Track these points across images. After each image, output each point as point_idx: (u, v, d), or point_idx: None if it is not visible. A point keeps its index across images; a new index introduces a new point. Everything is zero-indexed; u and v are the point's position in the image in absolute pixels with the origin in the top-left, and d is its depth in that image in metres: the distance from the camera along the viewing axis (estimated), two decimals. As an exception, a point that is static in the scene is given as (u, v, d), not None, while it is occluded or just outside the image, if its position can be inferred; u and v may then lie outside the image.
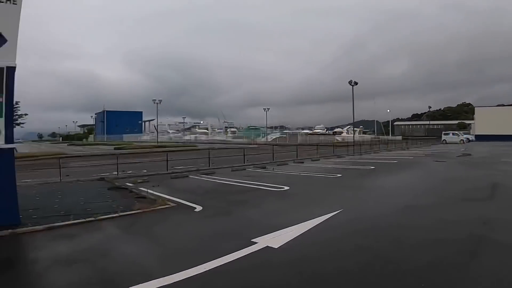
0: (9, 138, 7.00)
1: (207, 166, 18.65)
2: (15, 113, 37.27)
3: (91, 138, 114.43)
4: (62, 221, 7.26)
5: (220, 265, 4.82)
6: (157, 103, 64.95)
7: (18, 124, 39.75)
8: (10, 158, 7.11)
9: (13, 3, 7.02)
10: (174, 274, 4.49)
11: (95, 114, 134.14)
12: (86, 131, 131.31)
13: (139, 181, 13.27)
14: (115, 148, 43.59)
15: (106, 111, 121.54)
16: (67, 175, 15.16)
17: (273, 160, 22.57)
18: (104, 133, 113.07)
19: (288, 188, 11.37)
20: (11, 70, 6.97)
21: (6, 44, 6.89)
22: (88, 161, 25.22)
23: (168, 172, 16.36)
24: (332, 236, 6.10)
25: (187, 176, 14.97)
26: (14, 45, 6.99)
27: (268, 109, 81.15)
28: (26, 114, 40.12)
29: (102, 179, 14.13)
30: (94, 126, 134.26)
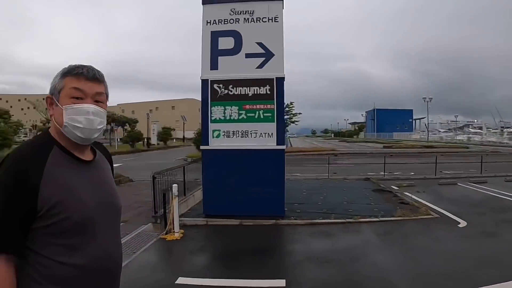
0: (280, 140, 7.94)
1: (478, 173, 16.43)
2: (290, 112, 41.86)
3: (361, 135, 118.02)
4: (323, 218, 7.76)
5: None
6: (427, 101, 61.74)
7: (293, 122, 44.49)
8: (281, 157, 8.02)
9: (275, 21, 7.90)
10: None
11: (366, 112, 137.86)
12: (356, 128, 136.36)
13: (404, 184, 12.86)
14: (384, 147, 43.60)
15: (376, 109, 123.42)
16: (335, 172, 15.96)
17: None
18: (374, 131, 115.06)
19: None
20: (280, 80, 7.85)
21: (273, 57, 7.82)
22: (356, 159, 25.91)
23: (436, 177, 15.26)
24: None
25: (455, 184, 13.61)
26: (281, 57, 7.86)
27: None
28: (300, 113, 44.39)
29: (367, 179, 14.32)
30: (364, 124, 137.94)
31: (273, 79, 7.81)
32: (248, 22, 7.94)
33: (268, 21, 7.90)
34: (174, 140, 61.21)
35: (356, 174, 15.59)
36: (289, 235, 6.95)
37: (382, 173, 15.48)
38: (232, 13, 7.98)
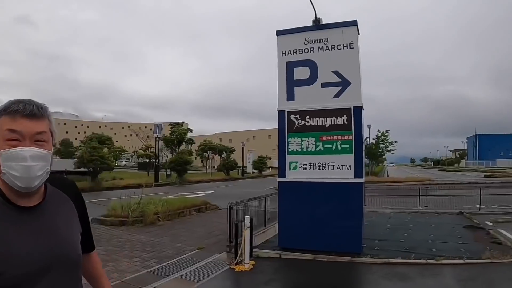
0: (358, 173, 7.53)
1: None
2: (386, 141, 40.52)
3: (462, 163, 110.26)
4: (401, 258, 7.15)
5: None
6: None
7: (388, 151, 43.05)
8: (359, 192, 7.62)
9: (350, 48, 7.66)
10: None
11: (466, 138, 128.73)
12: (457, 156, 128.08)
13: (499, 220, 11.41)
14: (485, 176, 40.02)
15: (478, 134, 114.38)
16: (426, 206, 14.91)
17: None
18: (475, 158, 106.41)
19: None
20: (357, 109, 7.55)
21: (350, 86, 7.57)
22: (452, 190, 24.02)
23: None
24: None
25: None
26: (358, 85, 7.57)
27: None
28: (396, 142, 42.66)
29: (461, 213, 13.07)
30: (465, 151, 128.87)
31: (350, 108, 7.53)
32: (323, 50, 7.80)
33: (343, 48, 7.68)
34: (270, 169, 62.88)
35: (450, 208, 14.39)
36: (362, 275, 6.53)
37: (478, 205, 14.11)
38: (307, 42, 7.91)
